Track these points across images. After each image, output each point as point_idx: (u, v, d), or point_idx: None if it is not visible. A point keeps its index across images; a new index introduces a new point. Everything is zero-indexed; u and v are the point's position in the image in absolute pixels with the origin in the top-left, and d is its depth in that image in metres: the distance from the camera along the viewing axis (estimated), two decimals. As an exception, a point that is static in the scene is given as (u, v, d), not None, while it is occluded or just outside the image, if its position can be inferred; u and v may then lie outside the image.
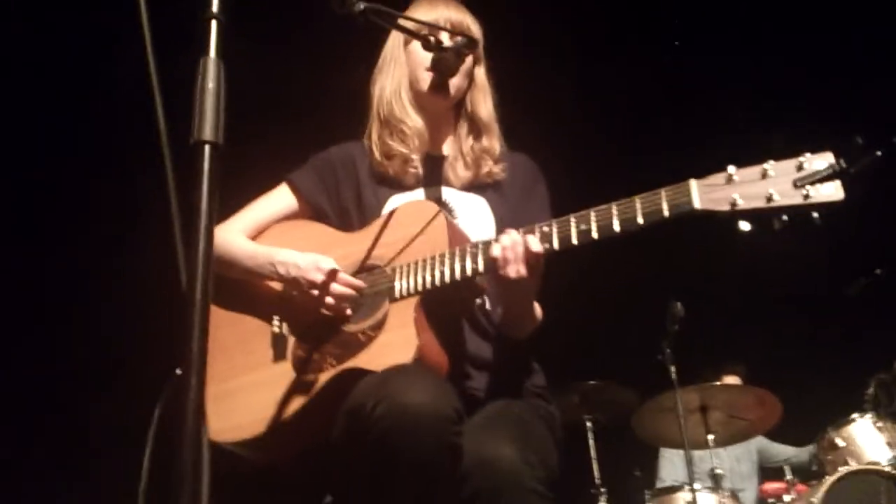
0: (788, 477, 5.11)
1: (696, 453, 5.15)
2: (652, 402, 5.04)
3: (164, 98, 1.33)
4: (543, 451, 2.02)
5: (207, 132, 1.27)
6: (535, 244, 1.99)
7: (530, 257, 1.99)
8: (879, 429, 4.82)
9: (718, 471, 4.93)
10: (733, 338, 7.00)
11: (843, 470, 4.59)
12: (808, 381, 6.18)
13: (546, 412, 2.26)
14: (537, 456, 1.95)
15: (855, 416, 4.96)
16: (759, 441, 5.97)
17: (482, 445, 1.90)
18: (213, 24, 1.33)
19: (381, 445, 1.77)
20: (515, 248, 1.99)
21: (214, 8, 1.33)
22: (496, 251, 2.01)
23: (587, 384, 5.17)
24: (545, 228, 2.01)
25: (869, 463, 4.65)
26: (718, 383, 5.41)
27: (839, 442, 4.87)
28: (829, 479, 4.55)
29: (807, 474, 5.24)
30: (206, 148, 1.26)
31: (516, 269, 1.99)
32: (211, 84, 1.29)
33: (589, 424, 5.17)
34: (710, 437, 5.01)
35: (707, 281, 7.02)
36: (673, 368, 4.78)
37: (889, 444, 4.75)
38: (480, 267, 2.05)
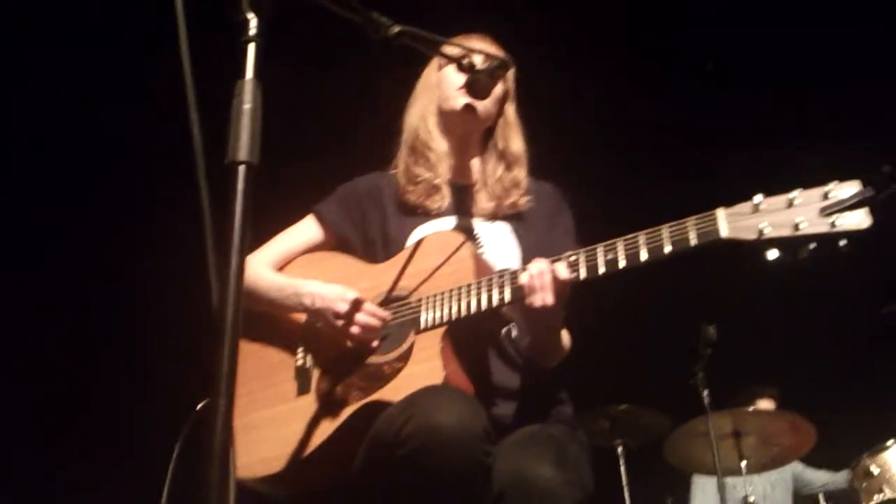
0: (822, 504, 5.02)
1: (730, 480, 5.06)
2: (684, 427, 4.97)
3: (202, 119, 1.34)
4: (581, 473, 2.01)
5: (243, 153, 1.28)
6: (563, 272, 1.99)
7: (557, 286, 1.99)
8: (916, 456, 4.72)
9: (752, 498, 4.85)
10: (766, 361, 6.92)
11: (877, 498, 4.50)
12: (842, 406, 6.06)
13: (579, 436, 2.24)
14: (576, 476, 1.94)
15: (890, 442, 4.86)
16: (794, 467, 5.87)
17: (520, 465, 1.89)
18: (252, 46, 1.34)
19: (411, 465, 1.76)
20: (542, 276, 1.99)
21: (253, 31, 1.34)
22: (524, 279, 2.01)
23: (618, 408, 5.12)
24: (572, 258, 2.02)
25: (906, 491, 4.56)
26: (752, 408, 5.33)
27: (874, 469, 4.77)
28: (865, 508, 4.46)
29: (843, 501, 5.14)
30: (241, 168, 1.27)
31: (542, 298, 1.99)
32: (247, 105, 1.30)
33: (620, 450, 5.11)
34: (743, 462, 4.94)
35: (740, 303, 6.95)
36: (705, 392, 4.71)
37: (927, 472, 4.65)
38: (507, 296, 2.05)
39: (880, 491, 4.68)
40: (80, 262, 5.79)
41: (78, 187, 5.72)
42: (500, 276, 2.08)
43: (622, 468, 5.09)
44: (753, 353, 6.88)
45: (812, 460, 5.87)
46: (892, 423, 5.12)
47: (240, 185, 1.26)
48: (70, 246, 5.76)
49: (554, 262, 2.02)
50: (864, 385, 6.56)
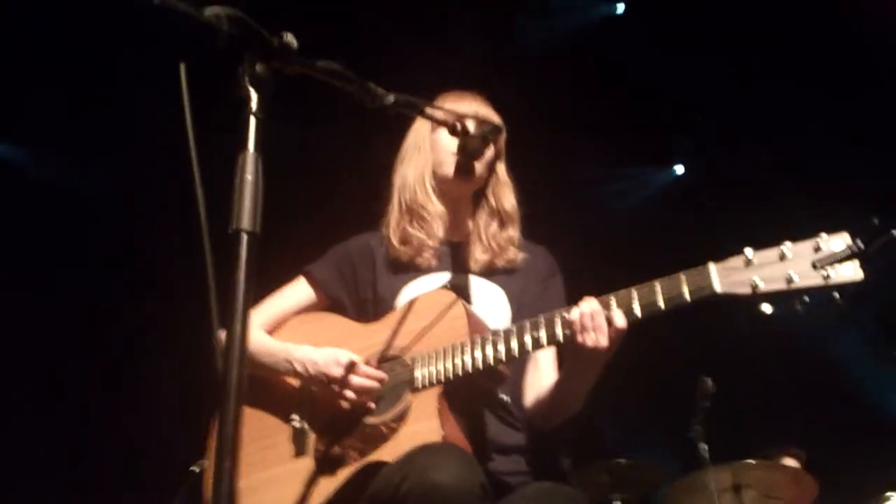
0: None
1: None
2: (683, 481, 4.94)
3: (205, 190, 1.40)
4: None
5: (245, 222, 1.34)
6: (620, 319, 1.96)
7: (612, 332, 1.97)
8: (916, 508, 4.69)
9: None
10: (765, 415, 6.89)
11: (880, 551, 4.45)
12: (843, 458, 6.03)
13: (579, 495, 2.26)
14: None
15: (891, 494, 4.83)
16: None
17: None
18: (253, 120, 1.41)
19: None
20: (596, 316, 1.98)
21: (254, 106, 1.41)
22: (574, 315, 1.99)
23: (616, 462, 5.08)
24: (566, 315, 2.03)
25: (906, 545, 4.52)
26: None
27: (887, 514, 4.73)
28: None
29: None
30: (244, 236, 1.33)
31: (594, 339, 1.96)
32: (249, 176, 1.37)
33: (618, 504, 5.06)
34: (744, 517, 4.88)
35: (737, 357, 6.96)
36: (704, 446, 4.69)
37: (927, 525, 4.62)
38: (543, 339, 2.02)
39: (883, 544, 4.65)
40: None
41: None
42: (495, 335, 2.10)
43: (621, 523, 5.04)
44: (752, 406, 6.87)
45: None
46: (892, 475, 5.10)
47: (243, 253, 1.32)
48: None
49: (620, 303, 1.98)
50: (864, 438, 6.54)
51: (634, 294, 1.96)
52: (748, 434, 6.10)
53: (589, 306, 1.99)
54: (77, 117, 5.84)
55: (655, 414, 6.95)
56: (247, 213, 1.35)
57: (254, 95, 1.42)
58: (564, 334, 2.01)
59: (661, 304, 1.91)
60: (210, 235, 1.38)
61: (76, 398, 5.74)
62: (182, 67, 1.42)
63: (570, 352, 2.09)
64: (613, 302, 1.98)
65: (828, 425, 6.83)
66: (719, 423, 4.86)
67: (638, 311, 1.94)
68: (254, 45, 1.44)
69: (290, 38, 1.50)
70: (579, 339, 1.98)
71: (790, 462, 5.73)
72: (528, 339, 2.06)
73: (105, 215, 6.23)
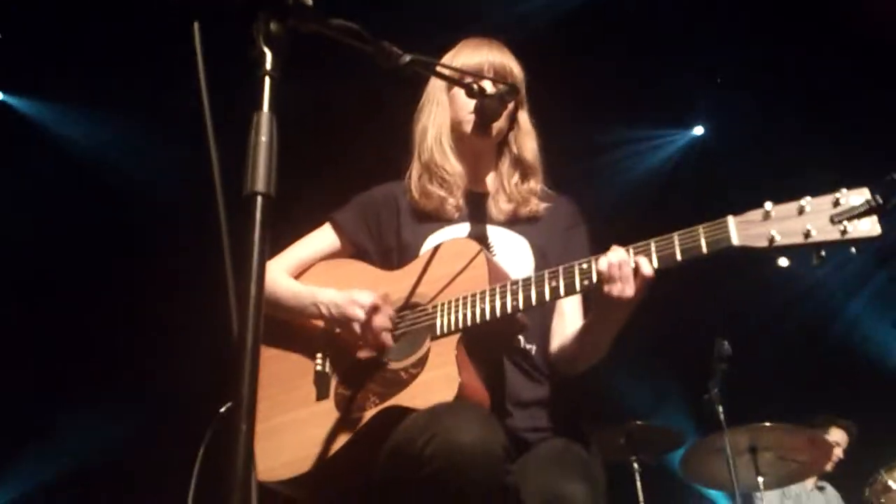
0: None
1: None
2: (700, 443, 4.96)
3: (219, 150, 1.39)
4: (604, 492, 2.06)
5: (260, 184, 1.32)
6: (647, 267, 1.96)
7: (639, 280, 1.97)
8: (933, 470, 4.69)
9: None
10: (782, 377, 6.88)
11: (898, 512, 4.47)
12: (859, 421, 6.03)
13: (595, 451, 2.27)
14: (601, 496, 2.00)
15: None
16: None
17: (554, 481, 1.95)
18: (267, 80, 1.39)
19: (434, 484, 1.79)
20: (623, 266, 1.97)
21: (268, 65, 1.39)
22: (602, 265, 1.99)
23: (633, 424, 5.09)
24: (584, 265, 2.04)
25: (923, 506, 4.53)
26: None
27: (892, 484, 4.75)
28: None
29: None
30: (259, 199, 1.32)
31: (622, 289, 1.96)
32: (264, 138, 1.35)
33: (636, 466, 5.08)
34: (760, 479, 4.90)
35: (755, 317, 6.94)
36: (720, 408, 4.69)
37: (944, 486, 4.62)
38: (577, 285, 2.02)
39: (900, 506, 4.67)
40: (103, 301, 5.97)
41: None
42: (514, 284, 2.09)
43: (638, 484, 5.06)
44: (769, 368, 6.87)
45: (828, 476, 5.83)
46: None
47: (258, 216, 1.31)
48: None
49: (637, 253, 1.98)
50: (881, 402, 6.53)
51: (653, 246, 1.96)
52: (765, 397, 6.08)
53: (617, 256, 1.99)
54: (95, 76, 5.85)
55: (673, 376, 6.96)
56: (261, 176, 1.33)
57: (268, 54, 1.40)
58: (583, 284, 2.02)
59: (679, 255, 1.91)
60: (226, 197, 1.37)
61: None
62: (196, 27, 1.40)
63: (597, 300, 2.10)
64: (632, 253, 1.98)
65: (844, 389, 6.83)
66: (737, 385, 4.86)
67: (655, 261, 1.94)
68: (268, 2, 1.42)
69: (304, -4, 1.47)
70: (606, 288, 1.98)
71: (838, 433, 5.70)
72: (546, 289, 2.06)
73: (122, 176, 6.29)
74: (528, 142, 2.51)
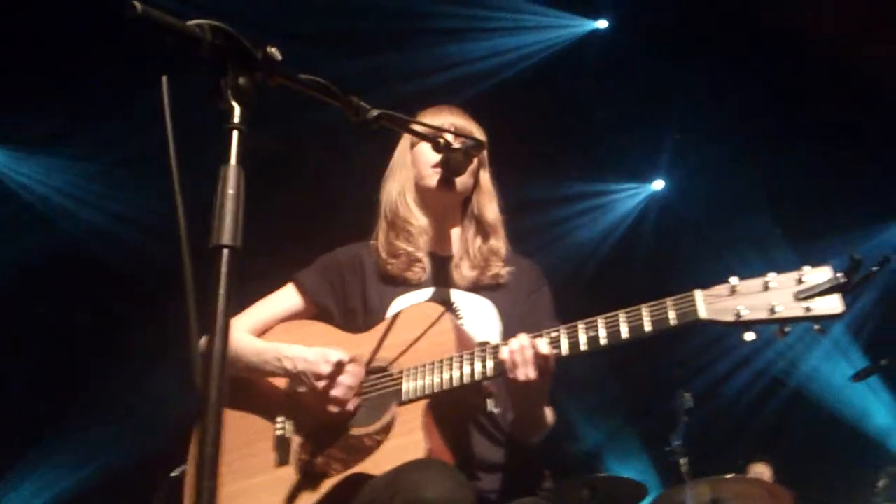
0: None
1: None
2: (662, 496, 4.95)
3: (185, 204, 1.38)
4: None
5: (227, 237, 1.31)
6: (544, 347, 2.01)
7: (539, 360, 2.01)
8: (891, 522, 4.73)
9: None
10: (743, 429, 6.93)
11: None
12: (818, 473, 6.07)
13: None
14: None
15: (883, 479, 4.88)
16: None
17: None
18: (235, 133, 1.39)
19: None
20: (524, 351, 2.01)
21: (237, 119, 1.39)
22: (504, 354, 2.03)
23: (596, 477, 5.08)
24: (553, 334, 2.04)
25: (881, 558, 4.55)
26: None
27: (852, 528, 4.76)
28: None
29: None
30: (225, 252, 1.31)
31: (525, 373, 2.01)
32: (231, 191, 1.34)
33: (599, 519, 5.04)
34: (724, 531, 4.89)
35: (715, 371, 7.01)
36: (683, 461, 4.70)
37: (900, 537, 4.65)
38: (489, 370, 2.06)
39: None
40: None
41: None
42: (482, 350, 2.09)
43: (602, 539, 5.02)
44: (730, 421, 6.91)
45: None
46: (866, 491, 5.14)
47: (223, 269, 1.30)
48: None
49: (535, 337, 2.03)
50: (839, 453, 6.60)
51: (622, 317, 1.98)
52: (725, 448, 6.11)
53: (518, 342, 2.04)
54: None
55: (636, 429, 6.97)
56: (227, 228, 1.32)
57: (237, 108, 1.40)
58: (501, 371, 2.05)
59: (648, 327, 1.94)
60: (192, 249, 1.36)
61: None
62: (164, 80, 1.40)
63: (507, 387, 2.13)
64: (601, 323, 2.00)
65: (803, 438, 6.89)
66: (699, 437, 4.89)
67: (626, 332, 1.97)
68: (237, 56, 1.42)
69: (273, 51, 1.48)
70: (510, 376, 2.03)
71: (761, 469, 5.75)
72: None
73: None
74: (488, 202, 2.53)
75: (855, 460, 6.33)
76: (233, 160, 1.37)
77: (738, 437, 6.77)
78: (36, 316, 5.93)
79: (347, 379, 2.15)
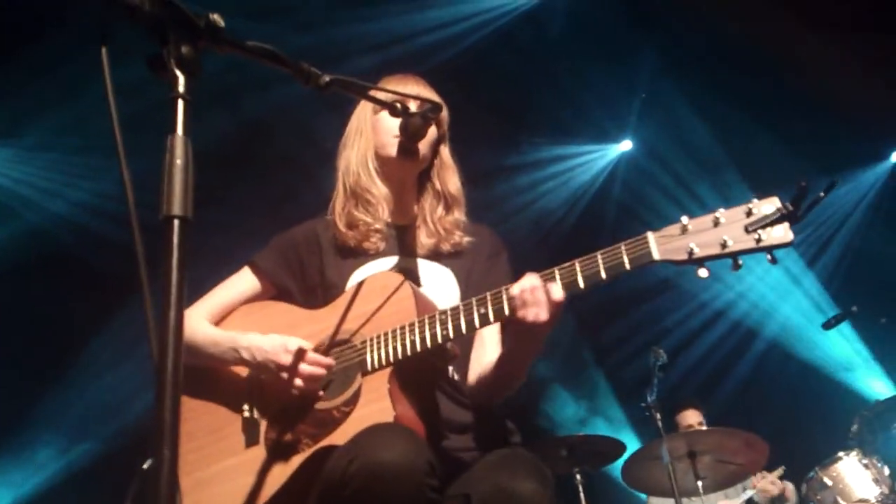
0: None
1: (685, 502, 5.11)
2: (640, 451, 5.01)
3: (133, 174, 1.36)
4: (553, 492, 2.03)
5: (177, 207, 1.30)
6: (558, 292, 1.98)
7: (552, 305, 1.99)
8: (865, 465, 4.83)
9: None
10: (717, 382, 7.03)
11: (832, 510, 4.58)
12: (793, 421, 6.19)
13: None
14: (553, 494, 1.97)
15: (841, 454, 4.97)
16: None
17: (506, 480, 1.91)
18: (180, 103, 1.37)
19: (358, 503, 1.78)
20: (536, 291, 1.99)
21: (181, 88, 1.37)
22: (515, 291, 2.01)
23: (574, 436, 5.14)
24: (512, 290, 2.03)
25: (858, 501, 4.66)
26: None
27: (827, 481, 4.87)
28: (821, 520, 4.54)
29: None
30: (176, 222, 1.29)
31: (536, 313, 1.98)
32: (179, 161, 1.33)
33: (579, 477, 5.11)
34: (700, 482, 4.98)
35: (688, 325, 7.09)
36: (658, 416, 4.76)
37: (876, 480, 4.76)
38: (491, 315, 2.04)
39: (835, 502, 4.77)
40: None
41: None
42: (443, 314, 2.09)
43: (582, 496, 5.10)
44: (705, 374, 7.01)
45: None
46: (840, 436, 5.25)
47: (175, 239, 1.28)
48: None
49: (546, 280, 2.01)
50: (814, 401, 6.72)
51: (577, 266, 1.99)
52: (701, 402, 6.19)
53: (529, 282, 2.01)
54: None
55: (612, 387, 7.05)
56: (177, 198, 1.31)
57: (181, 77, 1.38)
58: (511, 308, 2.03)
59: (603, 274, 1.95)
60: (142, 223, 1.35)
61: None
62: (103, 51, 1.37)
63: (512, 326, 2.11)
64: (558, 275, 2.00)
65: (777, 391, 7.01)
66: (674, 392, 4.96)
67: (581, 282, 1.97)
68: (178, 24, 1.40)
69: (216, 17, 1.46)
70: (520, 314, 2.00)
71: (692, 414, 5.83)
72: (475, 316, 2.06)
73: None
74: (450, 175, 2.53)
75: (829, 408, 6.46)
76: (179, 130, 1.35)
77: (712, 391, 6.87)
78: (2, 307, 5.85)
79: (308, 368, 2.14)
